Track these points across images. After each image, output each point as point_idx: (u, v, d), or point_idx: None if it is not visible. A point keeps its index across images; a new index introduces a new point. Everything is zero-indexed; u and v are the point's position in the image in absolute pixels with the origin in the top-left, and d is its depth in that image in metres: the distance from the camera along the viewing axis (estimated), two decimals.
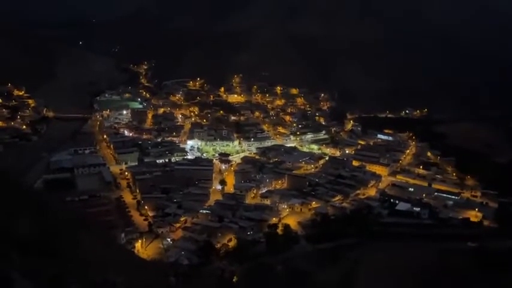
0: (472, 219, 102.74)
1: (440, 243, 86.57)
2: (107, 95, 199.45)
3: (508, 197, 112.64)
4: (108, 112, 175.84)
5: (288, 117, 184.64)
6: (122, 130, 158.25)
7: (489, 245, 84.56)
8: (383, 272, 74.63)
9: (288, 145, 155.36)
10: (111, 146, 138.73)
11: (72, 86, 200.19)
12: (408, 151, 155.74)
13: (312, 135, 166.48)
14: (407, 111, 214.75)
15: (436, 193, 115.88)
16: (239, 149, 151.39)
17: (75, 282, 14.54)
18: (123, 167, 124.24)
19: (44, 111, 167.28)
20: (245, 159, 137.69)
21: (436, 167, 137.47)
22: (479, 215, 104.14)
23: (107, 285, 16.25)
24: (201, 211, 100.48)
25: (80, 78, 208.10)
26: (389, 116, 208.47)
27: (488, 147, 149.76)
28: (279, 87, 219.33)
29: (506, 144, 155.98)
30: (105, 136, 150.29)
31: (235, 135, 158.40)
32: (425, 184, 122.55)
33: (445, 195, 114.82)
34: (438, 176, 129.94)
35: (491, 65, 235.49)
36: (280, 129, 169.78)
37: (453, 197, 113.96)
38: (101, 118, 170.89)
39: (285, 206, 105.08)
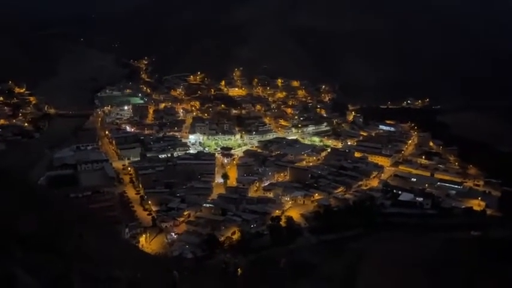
0: (475, 208, 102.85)
1: (443, 232, 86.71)
2: (107, 91, 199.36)
3: (511, 186, 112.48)
4: (109, 108, 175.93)
5: (289, 110, 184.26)
6: (123, 126, 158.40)
7: (492, 234, 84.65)
8: (387, 262, 74.75)
9: (290, 138, 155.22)
10: (113, 142, 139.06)
11: (73, 82, 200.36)
12: (410, 141, 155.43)
13: (314, 128, 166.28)
14: (408, 102, 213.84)
15: (438, 183, 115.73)
16: (241, 143, 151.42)
17: (78, 279, 14.59)
18: (126, 162, 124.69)
19: (46, 108, 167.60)
20: (247, 153, 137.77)
21: (438, 157, 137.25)
22: (482, 204, 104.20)
23: (110, 281, 16.31)
24: (204, 205, 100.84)
25: (80, 75, 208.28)
26: (390, 106, 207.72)
27: (491, 136, 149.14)
28: (279, 80, 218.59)
29: (509, 133, 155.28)
30: (107, 132, 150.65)
31: (236, 128, 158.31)
32: (428, 174, 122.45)
33: (447, 184, 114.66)
34: (440, 165, 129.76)
35: (494, 54, 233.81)
36: (282, 122, 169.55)
37: (456, 186, 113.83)
38: (102, 114, 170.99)
39: (288, 199, 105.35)
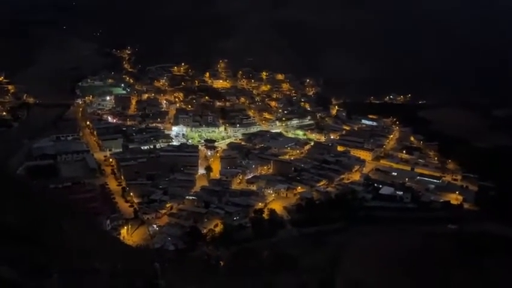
0: (453, 202, 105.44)
1: (422, 226, 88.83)
2: (89, 81, 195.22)
3: (487, 181, 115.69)
4: (90, 98, 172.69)
5: (273, 103, 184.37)
6: (105, 116, 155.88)
7: (469, 228, 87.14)
8: (367, 255, 76.24)
9: (274, 131, 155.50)
10: (95, 133, 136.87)
11: (54, 71, 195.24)
12: (392, 136, 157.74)
13: (298, 121, 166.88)
14: (391, 97, 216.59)
15: (418, 177, 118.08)
16: (225, 135, 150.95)
17: (58, 270, 14.41)
18: (108, 153, 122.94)
19: (25, 97, 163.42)
20: (231, 145, 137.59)
21: (418, 152, 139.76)
22: (460, 198, 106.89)
23: (90, 273, 16.17)
24: (187, 197, 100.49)
25: (61, 64, 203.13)
26: (373, 101, 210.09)
27: (469, 132, 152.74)
28: (264, 73, 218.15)
29: (487, 130, 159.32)
30: (88, 122, 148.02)
31: (220, 121, 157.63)
32: (408, 168, 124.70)
33: (427, 179, 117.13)
34: (421, 160, 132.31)
35: (476, 52, 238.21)
36: (266, 115, 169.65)
37: (435, 180, 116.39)
38: (83, 104, 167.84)
39: (271, 192, 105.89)
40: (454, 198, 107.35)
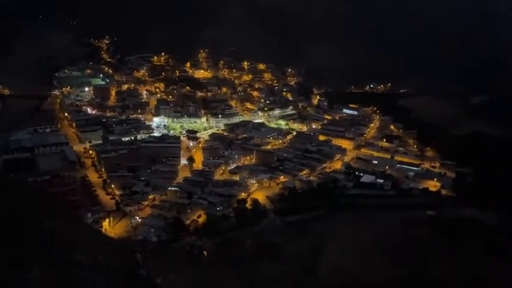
0: (431, 188, 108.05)
1: (402, 212, 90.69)
2: (66, 71, 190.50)
3: (464, 167, 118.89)
4: (68, 89, 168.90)
5: (255, 93, 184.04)
6: (84, 107, 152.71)
7: (446, 213, 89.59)
8: (349, 242, 77.68)
9: (256, 121, 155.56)
10: (74, 124, 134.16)
11: (30, 62, 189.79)
12: (372, 125, 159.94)
13: (280, 111, 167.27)
14: (371, 86, 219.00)
15: (398, 165, 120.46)
16: (207, 126, 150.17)
17: (37, 264, 14.23)
18: (87, 145, 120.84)
19: (0, 89, 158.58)
20: (213, 136, 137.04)
21: (398, 140, 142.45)
22: (438, 184, 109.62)
23: (70, 266, 16.03)
24: (169, 188, 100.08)
25: (37, 54, 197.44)
26: (354, 91, 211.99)
27: (447, 120, 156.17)
28: (246, 63, 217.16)
29: (465, 117, 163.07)
30: (66, 114, 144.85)
31: (202, 111, 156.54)
32: (388, 156, 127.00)
33: (406, 166, 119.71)
34: (400, 148, 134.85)
35: (453, 41, 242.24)
36: (248, 105, 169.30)
37: (414, 168, 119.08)
38: (61, 95, 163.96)
39: (254, 181, 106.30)
40: (433, 185, 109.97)
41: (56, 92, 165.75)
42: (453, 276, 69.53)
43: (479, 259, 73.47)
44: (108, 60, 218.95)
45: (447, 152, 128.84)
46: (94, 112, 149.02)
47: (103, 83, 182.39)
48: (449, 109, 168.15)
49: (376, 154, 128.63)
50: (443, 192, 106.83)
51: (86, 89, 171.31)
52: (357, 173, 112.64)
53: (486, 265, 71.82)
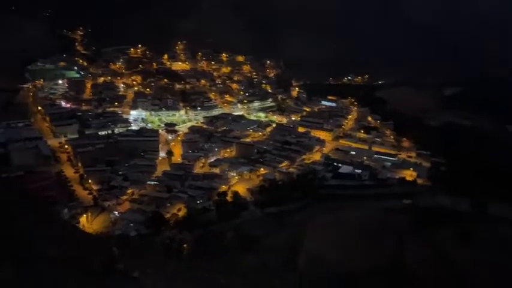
0: (408, 178, 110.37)
1: (379, 201, 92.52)
2: (39, 64, 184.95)
3: (439, 157, 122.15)
4: (41, 82, 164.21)
5: (234, 85, 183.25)
6: (58, 101, 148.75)
7: (422, 202, 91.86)
8: (328, 232, 78.74)
9: (236, 113, 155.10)
10: (48, 119, 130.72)
11: (1, 54, 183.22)
12: (350, 116, 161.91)
13: (259, 103, 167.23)
14: (349, 78, 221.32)
15: (375, 155, 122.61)
16: (186, 119, 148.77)
17: (9, 261, 13.90)
18: (63, 140, 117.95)
19: None
20: (192, 129, 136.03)
21: (376, 131, 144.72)
22: (414, 174, 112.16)
23: (43, 261, 15.72)
24: (148, 182, 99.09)
25: (7, 46, 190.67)
26: (332, 82, 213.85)
27: (423, 111, 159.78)
28: (224, 54, 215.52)
29: (439, 108, 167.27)
30: (40, 108, 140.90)
31: (181, 104, 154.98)
32: (366, 147, 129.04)
33: (383, 157, 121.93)
34: (378, 139, 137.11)
35: (429, 35, 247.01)
36: (227, 98, 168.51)
37: (391, 158, 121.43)
38: (34, 89, 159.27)
39: (234, 174, 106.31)
40: (409, 174, 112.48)
41: (29, 85, 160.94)
42: (429, 263, 71.60)
43: (453, 245, 75.83)
44: (83, 52, 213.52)
45: (422, 142, 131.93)
46: (69, 106, 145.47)
47: (78, 75, 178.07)
48: (424, 100, 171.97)
49: (354, 145, 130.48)
50: (419, 181, 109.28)
51: (60, 81, 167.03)
52: (335, 163, 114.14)
53: (460, 251, 74.22)
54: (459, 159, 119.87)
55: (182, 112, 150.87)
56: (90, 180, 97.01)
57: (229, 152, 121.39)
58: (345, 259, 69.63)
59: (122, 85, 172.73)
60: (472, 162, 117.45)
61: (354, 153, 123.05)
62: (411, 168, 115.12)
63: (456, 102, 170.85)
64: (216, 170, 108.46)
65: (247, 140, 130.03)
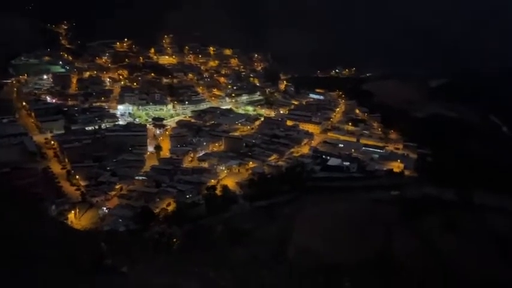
0: (395, 170, 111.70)
1: (367, 193, 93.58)
2: (23, 58, 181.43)
3: (425, 148, 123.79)
4: (25, 77, 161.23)
5: (222, 79, 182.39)
6: (43, 96, 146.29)
7: (409, 193, 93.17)
8: (317, 224, 79.46)
9: (224, 107, 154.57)
10: (33, 114, 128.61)
11: None
12: (338, 109, 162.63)
13: (247, 97, 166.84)
14: (337, 71, 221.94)
15: (363, 148, 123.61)
16: (173, 113, 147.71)
17: None
18: (49, 135, 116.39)
19: None
20: (180, 123, 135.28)
21: (363, 124, 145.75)
22: (401, 165, 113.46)
23: (31, 259, 15.60)
24: (136, 177, 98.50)
25: None
26: (320, 75, 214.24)
27: (408, 103, 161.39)
28: (212, 48, 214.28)
29: (424, 100, 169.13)
30: (24, 103, 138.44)
31: (168, 98, 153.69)
32: (354, 140, 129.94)
33: (371, 149, 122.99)
34: (365, 131, 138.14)
35: (415, 28, 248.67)
36: (215, 91, 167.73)
37: (379, 150, 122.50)
38: (18, 84, 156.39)
39: (223, 168, 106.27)
40: (396, 166, 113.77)
41: (13, 81, 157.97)
42: (416, 253, 72.88)
43: (440, 234, 77.30)
44: (68, 46, 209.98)
45: (409, 134, 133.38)
46: (54, 101, 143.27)
47: (63, 70, 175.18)
48: (410, 92, 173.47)
49: (342, 138, 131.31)
50: (406, 172, 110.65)
51: (45, 76, 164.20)
52: (324, 156, 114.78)
53: (446, 239, 75.71)
54: (445, 150, 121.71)
55: (170, 106, 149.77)
56: (77, 176, 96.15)
57: (217, 146, 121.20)
58: (333, 251, 70.49)
59: (108, 79, 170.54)
60: (457, 152, 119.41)
61: (342, 145, 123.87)
62: (398, 160, 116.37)
63: (442, 94, 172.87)
64: (205, 164, 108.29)
65: (236, 133, 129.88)
